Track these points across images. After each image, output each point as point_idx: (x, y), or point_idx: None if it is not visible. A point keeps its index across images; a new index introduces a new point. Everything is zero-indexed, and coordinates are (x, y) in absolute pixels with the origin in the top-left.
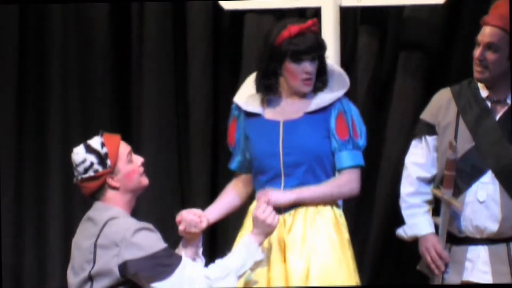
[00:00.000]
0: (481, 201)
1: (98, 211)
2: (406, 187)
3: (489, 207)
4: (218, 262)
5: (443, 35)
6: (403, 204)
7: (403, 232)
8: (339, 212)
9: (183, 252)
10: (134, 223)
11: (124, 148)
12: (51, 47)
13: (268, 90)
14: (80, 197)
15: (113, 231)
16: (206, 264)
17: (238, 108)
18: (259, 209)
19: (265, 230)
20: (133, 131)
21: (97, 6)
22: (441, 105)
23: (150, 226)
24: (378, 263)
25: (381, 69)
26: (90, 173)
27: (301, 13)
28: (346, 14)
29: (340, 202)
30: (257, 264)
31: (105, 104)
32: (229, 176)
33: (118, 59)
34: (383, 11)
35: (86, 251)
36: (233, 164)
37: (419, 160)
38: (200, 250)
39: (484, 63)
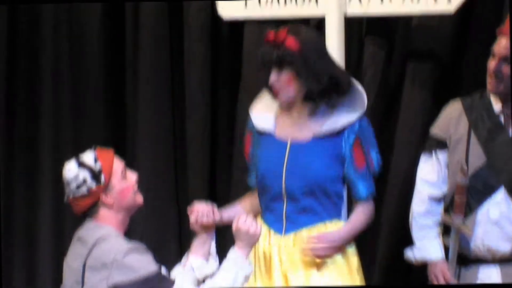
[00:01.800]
0: (494, 220)
1: (89, 230)
2: (418, 206)
3: (502, 226)
4: (208, 281)
5: (453, 44)
6: (414, 224)
7: (411, 254)
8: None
9: (195, 252)
10: (125, 244)
11: (118, 163)
12: (42, 60)
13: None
14: (72, 214)
15: (103, 252)
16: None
17: (251, 121)
18: (240, 220)
19: (250, 241)
20: (127, 146)
21: (90, 19)
22: (452, 118)
23: (141, 247)
24: (386, 282)
25: (388, 81)
26: (83, 189)
27: (305, 23)
28: (351, 24)
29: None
30: (247, 278)
31: (99, 118)
32: (227, 193)
33: (112, 71)
34: (390, 20)
35: (75, 271)
36: (251, 181)
37: (430, 177)
38: (213, 249)
39: (500, 75)
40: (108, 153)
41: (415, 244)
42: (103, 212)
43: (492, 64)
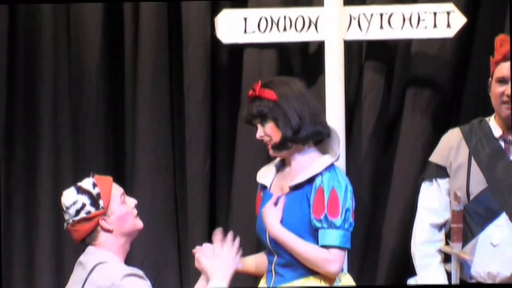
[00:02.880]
0: (495, 245)
1: (89, 255)
2: (420, 234)
3: (503, 251)
4: None
5: (454, 70)
6: (416, 253)
7: (415, 283)
8: None
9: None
10: (123, 269)
11: (116, 189)
12: (41, 84)
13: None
14: (71, 240)
15: (101, 276)
16: None
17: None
18: (206, 254)
19: (228, 272)
20: (127, 174)
21: (90, 39)
22: (452, 146)
23: (140, 273)
24: None
25: (388, 107)
26: (82, 214)
27: (304, 47)
28: (351, 49)
29: None
30: None
31: (98, 146)
32: (227, 219)
33: (112, 96)
34: (389, 45)
35: None
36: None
37: (432, 204)
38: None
39: None
40: (107, 179)
41: (418, 273)
42: (103, 237)
43: (505, 89)
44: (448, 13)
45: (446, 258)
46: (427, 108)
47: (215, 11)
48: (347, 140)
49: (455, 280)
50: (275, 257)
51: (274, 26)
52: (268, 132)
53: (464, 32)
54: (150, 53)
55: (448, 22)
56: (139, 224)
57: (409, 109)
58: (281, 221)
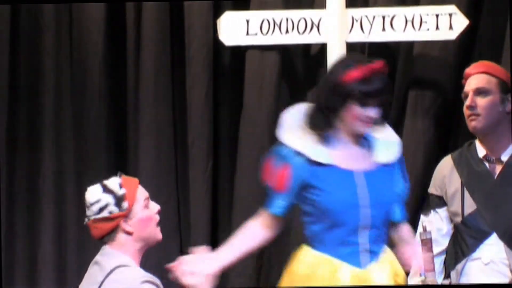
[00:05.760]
0: (486, 264)
1: (106, 256)
2: None
3: (493, 269)
4: None
5: (456, 72)
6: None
7: None
8: None
9: None
10: (142, 274)
11: (141, 192)
12: (43, 85)
13: (325, 126)
14: (74, 240)
15: (120, 280)
16: None
17: (294, 153)
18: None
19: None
20: (129, 175)
21: (92, 42)
22: (444, 175)
23: (157, 281)
24: None
25: (390, 108)
26: (104, 213)
27: (306, 49)
28: (353, 51)
29: None
30: None
31: (100, 147)
32: (229, 222)
33: (114, 98)
34: (391, 47)
35: None
36: (277, 210)
37: (434, 235)
38: None
39: (476, 110)
40: (133, 181)
41: None
42: (121, 239)
43: (467, 101)
44: (450, 15)
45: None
46: (429, 109)
47: (217, 13)
48: None
49: None
50: (362, 232)
51: (276, 28)
52: (376, 116)
53: (466, 34)
54: (153, 55)
55: (450, 24)
56: (159, 235)
57: (411, 110)
58: (384, 196)
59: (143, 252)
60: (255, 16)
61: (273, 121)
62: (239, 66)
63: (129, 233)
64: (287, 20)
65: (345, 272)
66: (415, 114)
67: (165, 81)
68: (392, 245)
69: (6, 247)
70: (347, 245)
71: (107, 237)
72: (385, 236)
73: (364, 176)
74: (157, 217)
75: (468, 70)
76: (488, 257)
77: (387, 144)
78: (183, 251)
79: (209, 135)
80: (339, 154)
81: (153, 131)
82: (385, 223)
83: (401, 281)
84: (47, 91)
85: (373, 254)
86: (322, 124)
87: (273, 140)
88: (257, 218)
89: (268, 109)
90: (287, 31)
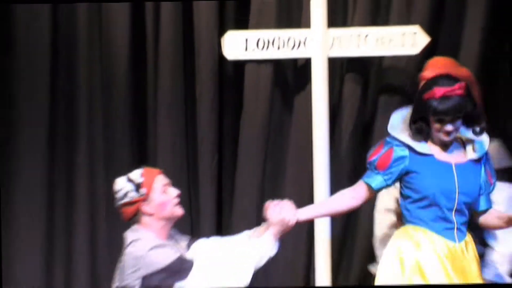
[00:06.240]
0: None
1: (130, 232)
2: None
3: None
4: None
5: (419, 81)
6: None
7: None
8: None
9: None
10: (150, 243)
11: (160, 180)
12: (77, 89)
13: (418, 132)
14: (106, 232)
15: (133, 251)
16: None
17: (399, 142)
18: (275, 209)
19: (282, 228)
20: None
21: (118, 53)
22: None
23: (162, 242)
24: None
25: (365, 112)
26: (127, 199)
27: (295, 63)
28: (334, 64)
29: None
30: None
31: (125, 147)
32: (231, 208)
33: (136, 104)
34: (365, 61)
35: (118, 267)
36: (375, 183)
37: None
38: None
39: None
40: (153, 171)
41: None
42: (145, 219)
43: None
44: (414, 33)
45: None
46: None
47: (221, 32)
48: (331, 139)
49: None
50: (454, 216)
51: (270, 45)
52: (454, 128)
53: (427, 49)
54: (168, 66)
55: (413, 41)
56: (178, 211)
57: (381, 114)
58: (472, 186)
59: (168, 228)
60: (253, 35)
61: (268, 123)
62: (239, 76)
63: (150, 214)
64: (278, 38)
65: (441, 243)
66: (384, 116)
67: (178, 88)
68: (481, 229)
69: (47, 229)
70: (443, 222)
71: (133, 218)
72: (468, 222)
73: (456, 167)
74: (176, 200)
75: (425, 74)
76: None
77: (476, 144)
78: (193, 233)
79: (215, 134)
80: (437, 149)
81: (168, 131)
82: (469, 210)
83: (478, 263)
84: (81, 95)
85: (463, 233)
86: (419, 130)
87: (269, 139)
88: (351, 188)
89: (263, 113)
90: (278, 48)
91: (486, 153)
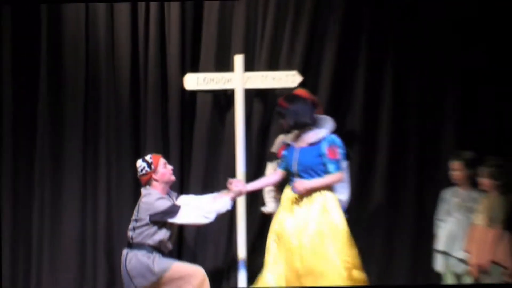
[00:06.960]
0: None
1: (145, 189)
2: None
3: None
4: (204, 204)
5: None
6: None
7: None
8: (330, 195)
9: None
10: (156, 196)
11: (162, 160)
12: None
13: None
14: (118, 196)
15: (146, 200)
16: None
17: (287, 143)
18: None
19: (237, 195)
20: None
21: (120, 76)
22: None
23: (163, 196)
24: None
25: (265, 120)
26: (143, 172)
27: (225, 92)
28: (249, 92)
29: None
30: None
31: (127, 147)
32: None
33: (134, 110)
34: (267, 90)
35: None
36: (281, 166)
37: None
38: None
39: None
40: (158, 155)
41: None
42: (154, 183)
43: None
44: (294, 75)
45: None
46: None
47: (183, 73)
48: (246, 138)
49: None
50: (297, 177)
51: (211, 81)
52: (284, 123)
53: (301, 83)
54: (151, 94)
55: (293, 79)
56: (172, 178)
57: (275, 120)
58: (304, 161)
59: (167, 188)
60: (201, 75)
61: (210, 127)
62: (194, 100)
63: (157, 180)
64: (216, 77)
65: (289, 192)
66: (277, 121)
67: (158, 106)
68: None
69: (83, 194)
70: (291, 181)
71: (148, 182)
72: (308, 179)
73: (299, 150)
74: (171, 171)
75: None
76: None
77: (317, 133)
78: (181, 192)
79: (180, 136)
80: (294, 140)
81: (153, 132)
82: (305, 173)
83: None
84: (104, 100)
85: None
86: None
87: (210, 137)
88: (274, 172)
89: (207, 121)
90: (216, 83)
91: (327, 139)
